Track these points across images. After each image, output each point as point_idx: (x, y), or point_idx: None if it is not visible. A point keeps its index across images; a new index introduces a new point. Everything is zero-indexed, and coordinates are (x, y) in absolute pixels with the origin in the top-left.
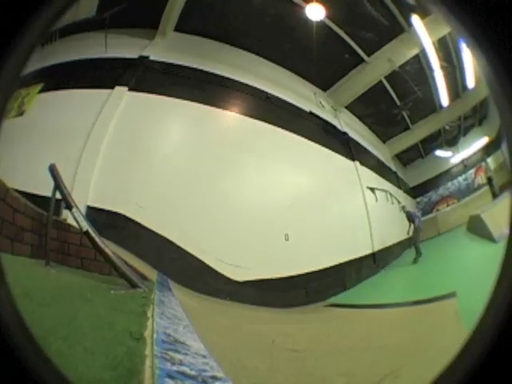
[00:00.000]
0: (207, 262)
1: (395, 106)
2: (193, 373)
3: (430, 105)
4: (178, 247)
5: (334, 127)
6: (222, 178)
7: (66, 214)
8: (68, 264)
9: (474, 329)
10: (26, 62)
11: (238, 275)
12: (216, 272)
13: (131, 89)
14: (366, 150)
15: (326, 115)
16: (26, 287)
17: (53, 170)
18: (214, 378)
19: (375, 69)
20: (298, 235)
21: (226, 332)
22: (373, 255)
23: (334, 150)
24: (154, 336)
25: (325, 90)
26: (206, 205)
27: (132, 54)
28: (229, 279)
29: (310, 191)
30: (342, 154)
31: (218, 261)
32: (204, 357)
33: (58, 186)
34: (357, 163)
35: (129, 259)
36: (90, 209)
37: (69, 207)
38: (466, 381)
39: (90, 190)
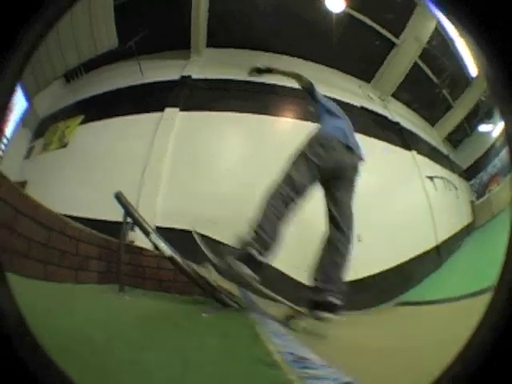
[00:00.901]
0: (285, 270)
1: (435, 86)
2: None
3: (463, 78)
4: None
5: (386, 118)
6: None
7: (133, 236)
8: (145, 288)
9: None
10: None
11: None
12: (294, 280)
13: (182, 109)
14: (418, 137)
15: (377, 107)
16: (98, 316)
17: (120, 197)
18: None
19: (407, 50)
20: (368, 235)
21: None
22: (437, 248)
23: (390, 142)
24: (283, 358)
25: (368, 81)
26: None
27: (173, 75)
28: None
29: (375, 189)
30: (398, 145)
31: (295, 268)
32: (328, 367)
33: (129, 212)
34: (413, 152)
35: None
36: (159, 230)
37: (146, 233)
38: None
39: (157, 212)
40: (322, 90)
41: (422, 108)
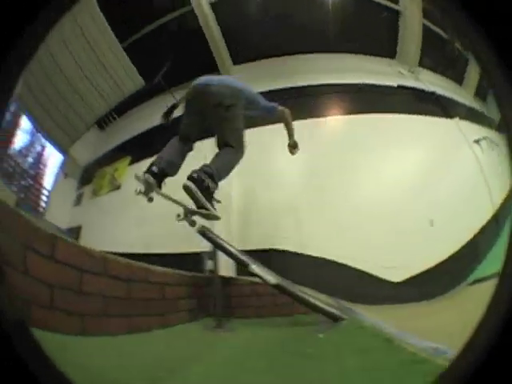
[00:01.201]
0: (368, 270)
1: (447, 42)
2: None
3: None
4: (339, 264)
5: (423, 91)
6: (349, 186)
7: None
8: (240, 317)
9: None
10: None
11: (397, 276)
12: (377, 278)
13: None
14: (454, 101)
15: (411, 82)
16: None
17: (205, 232)
18: None
19: (412, 14)
20: (439, 217)
21: None
22: (495, 216)
23: (432, 115)
24: (426, 352)
25: (392, 57)
26: (344, 213)
27: None
28: (390, 283)
29: (432, 167)
30: (441, 115)
31: (379, 267)
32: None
33: (221, 246)
34: (456, 119)
35: None
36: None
37: (244, 264)
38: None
39: (233, 236)
40: (357, 77)
41: (446, 69)
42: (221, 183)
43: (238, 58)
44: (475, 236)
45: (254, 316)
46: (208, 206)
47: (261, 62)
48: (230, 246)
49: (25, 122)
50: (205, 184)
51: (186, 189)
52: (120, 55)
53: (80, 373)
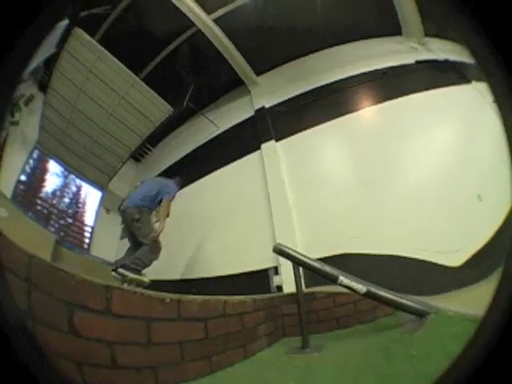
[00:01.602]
0: (430, 259)
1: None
2: None
3: None
4: (402, 257)
5: (436, 61)
6: (396, 175)
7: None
8: (320, 331)
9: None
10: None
11: (456, 260)
12: (439, 265)
13: (277, 139)
14: (466, 63)
15: (425, 54)
16: None
17: (282, 249)
18: None
19: None
20: (487, 191)
21: None
22: None
23: (452, 84)
24: None
25: (400, 34)
26: (397, 205)
27: (247, 113)
28: (450, 268)
29: (466, 138)
30: (459, 82)
31: (437, 253)
32: None
33: (303, 262)
34: (474, 83)
35: None
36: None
37: (331, 278)
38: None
39: (299, 248)
40: (379, 63)
41: (448, 31)
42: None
43: (259, 69)
44: None
45: (335, 328)
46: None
47: (281, 68)
48: (312, 259)
49: (53, 166)
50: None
51: (119, 273)
52: (140, 87)
53: None
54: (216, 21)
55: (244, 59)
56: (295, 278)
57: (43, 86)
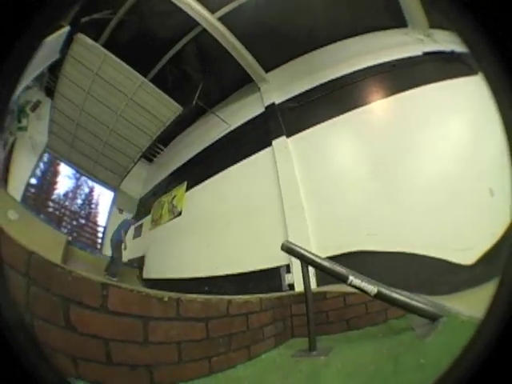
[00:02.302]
0: (444, 257)
1: None
2: None
3: None
4: (416, 255)
5: (443, 52)
6: (408, 170)
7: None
8: (330, 333)
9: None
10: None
11: (471, 258)
12: (454, 264)
13: (288, 135)
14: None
15: (432, 46)
16: None
17: (291, 248)
18: None
19: None
20: (498, 185)
21: None
22: None
23: (461, 76)
24: None
25: (406, 25)
26: (416, 201)
27: (257, 110)
28: (464, 266)
29: (476, 132)
30: (467, 74)
31: (454, 251)
32: None
33: (313, 261)
34: (480, 74)
35: None
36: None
37: (341, 278)
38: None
39: (312, 244)
40: (387, 55)
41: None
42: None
43: (267, 66)
44: None
45: (345, 329)
46: None
47: (290, 63)
48: (321, 258)
49: (64, 168)
50: None
51: None
52: (148, 88)
53: None
54: (220, 19)
55: (251, 56)
56: (303, 276)
57: (50, 92)
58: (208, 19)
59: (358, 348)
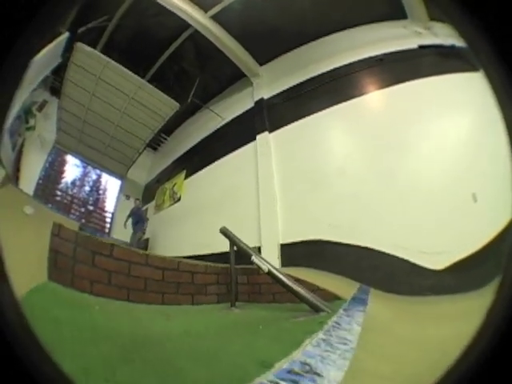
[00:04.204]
0: (409, 258)
1: None
2: None
3: None
4: (378, 252)
5: (442, 46)
6: (385, 166)
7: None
8: (260, 301)
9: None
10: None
11: (439, 263)
12: (418, 267)
13: (271, 130)
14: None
15: (430, 39)
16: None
17: (225, 232)
18: None
19: None
20: (483, 190)
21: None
22: None
23: (460, 71)
24: (284, 366)
25: (405, 18)
26: (390, 198)
27: (247, 105)
28: (431, 270)
29: (477, 130)
30: (465, 70)
31: (420, 253)
32: None
33: (234, 242)
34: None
35: (326, 281)
36: (284, 246)
37: (248, 256)
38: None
39: (280, 230)
40: (376, 49)
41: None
42: None
43: (261, 59)
44: None
45: (271, 301)
46: None
47: (283, 57)
48: (243, 243)
49: (72, 159)
50: None
51: None
52: (147, 88)
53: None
54: (213, 17)
55: (243, 52)
56: (230, 253)
57: (55, 91)
58: (198, 19)
59: (263, 312)
